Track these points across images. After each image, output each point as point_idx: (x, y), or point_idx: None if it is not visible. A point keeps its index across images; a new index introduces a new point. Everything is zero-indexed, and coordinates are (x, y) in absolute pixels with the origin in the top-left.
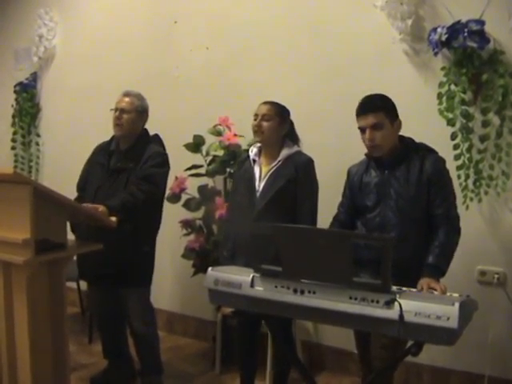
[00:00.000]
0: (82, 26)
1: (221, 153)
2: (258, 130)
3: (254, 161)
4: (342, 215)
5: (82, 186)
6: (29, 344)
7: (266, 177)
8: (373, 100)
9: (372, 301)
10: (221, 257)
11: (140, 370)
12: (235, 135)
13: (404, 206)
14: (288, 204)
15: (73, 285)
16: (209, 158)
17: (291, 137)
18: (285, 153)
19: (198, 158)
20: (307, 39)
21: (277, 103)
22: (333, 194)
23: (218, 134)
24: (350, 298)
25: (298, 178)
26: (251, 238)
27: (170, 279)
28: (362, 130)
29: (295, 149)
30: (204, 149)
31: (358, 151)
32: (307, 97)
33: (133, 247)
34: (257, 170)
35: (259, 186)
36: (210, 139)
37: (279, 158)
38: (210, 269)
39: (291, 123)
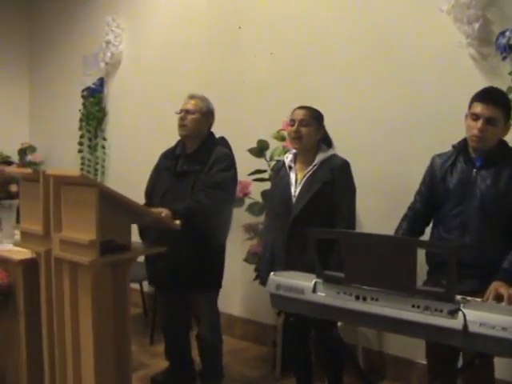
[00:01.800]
0: (147, 32)
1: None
2: (296, 136)
3: (290, 167)
4: (418, 204)
5: (149, 192)
6: (93, 342)
7: (302, 182)
8: (498, 93)
9: (435, 310)
10: (258, 264)
11: (201, 372)
12: None
13: (488, 209)
14: (325, 208)
15: (136, 286)
16: (272, 163)
17: (325, 141)
18: (320, 157)
19: (261, 163)
20: (371, 44)
21: (312, 108)
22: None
23: (282, 138)
24: (413, 306)
25: (335, 181)
26: (312, 244)
27: (232, 282)
28: (475, 117)
29: (330, 152)
30: (268, 153)
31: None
32: (371, 102)
33: (202, 252)
34: (292, 176)
35: (295, 191)
36: (274, 144)
37: (315, 163)
38: (272, 274)
39: (324, 127)
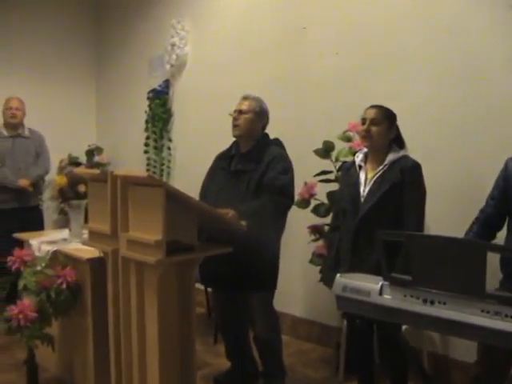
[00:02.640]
0: (212, 34)
1: (350, 159)
2: (366, 135)
3: (360, 166)
4: (490, 208)
5: (204, 192)
6: (158, 340)
7: (371, 182)
8: None
9: (506, 315)
10: (323, 265)
11: (263, 371)
12: None
13: None
14: (393, 209)
15: (200, 286)
16: (338, 164)
17: (397, 141)
18: (391, 157)
19: (327, 164)
20: (439, 42)
21: (384, 107)
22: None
23: (348, 139)
24: (482, 311)
25: (405, 182)
26: (379, 245)
27: (296, 284)
28: None
29: (402, 153)
30: (333, 155)
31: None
32: (439, 101)
33: (257, 251)
34: (362, 175)
35: (364, 191)
36: (340, 145)
37: (385, 163)
38: (338, 275)
39: (397, 127)
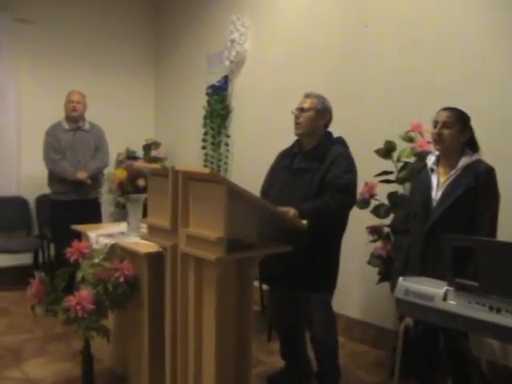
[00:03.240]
0: (272, 31)
1: (412, 160)
2: (438, 139)
3: (432, 169)
4: None
5: (265, 190)
6: (215, 338)
7: (444, 186)
8: None
9: None
10: (392, 268)
11: (317, 372)
12: (428, 142)
13: None
14: (465, 214)
15: (254, 283)
16: (399, 165)
17: (471, 144)
18: (464, 161)
19: (388, 164)
20: (506, 38)
21: (457, 109)
22: None
23: (410, 140)
24: None
25: (478, 187)
26: (446, 250)
27: (353, 285)
28: None
29: (475, 157)
30: (395, 155)
31: None
32: (508, 100)
33: (317, 251)
34: (434, 179)
35: (436, 195)
36: (402, 145)
37: (458, 167)
38: (401, 278)
39: (471, 130)
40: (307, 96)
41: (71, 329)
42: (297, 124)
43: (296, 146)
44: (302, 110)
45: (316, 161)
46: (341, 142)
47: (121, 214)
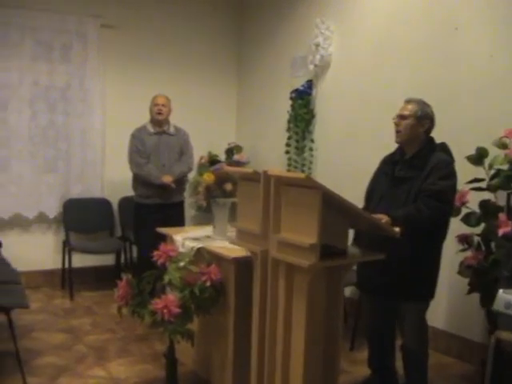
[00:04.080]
0: (357, 35)
1: (506, 167)
2: None
3: None
4: None
5: (368, 196)
6: (303, 345)
7: None
8: None
9: None
10: (500, 276)
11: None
12: None
13: None
14: None
15: None
16: (492, 172)
17: None
18: None
19: (479, 171)
20: None
21: None
22: None
23: (504, 146)
24: None
25: None
26: None
27: (441, 294)
28: None
29: None
30: (487, 162)
31: None
32: None
33: (416, 260)
34: None
35: None
36: (494, 152)
37: None
38: (501, 291)
39: None
40: (407, 102)
41: (153, 330)
42: (397, 132)
43: (398, 153)
44: (402, 117)
45: (416, 169)
46: (443, 148)
47: (202, 218)
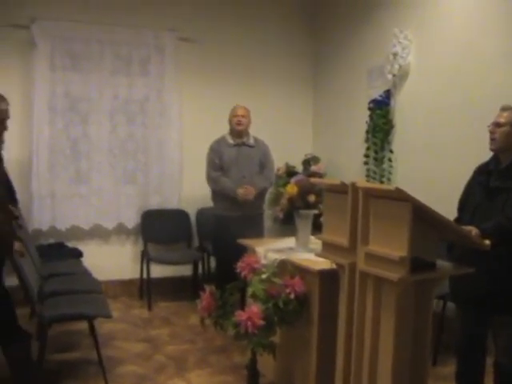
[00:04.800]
0: (437, 43)
1: None
2: None
3: None
4: None
5: (460, 207)
6: (391, 358)
7: None
8: None
9: None
10: None
11: None
12: None
13: None
14: None
15: None
16: None
17: None
18: None
19: None
20: None
21: None
22: None
23: None
24: None
25: None
26: None
27: None
28: None
29: None
30: None
31: None
32: None
33: (510, 272)
34: None
35: None
36: None
37: None
38: None
39: None
40: (503, 110)
41: (231, 342)
42: (492, 140)
43: (492, 162)
44: (497, 124)
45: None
46: None
47: (278, 229)
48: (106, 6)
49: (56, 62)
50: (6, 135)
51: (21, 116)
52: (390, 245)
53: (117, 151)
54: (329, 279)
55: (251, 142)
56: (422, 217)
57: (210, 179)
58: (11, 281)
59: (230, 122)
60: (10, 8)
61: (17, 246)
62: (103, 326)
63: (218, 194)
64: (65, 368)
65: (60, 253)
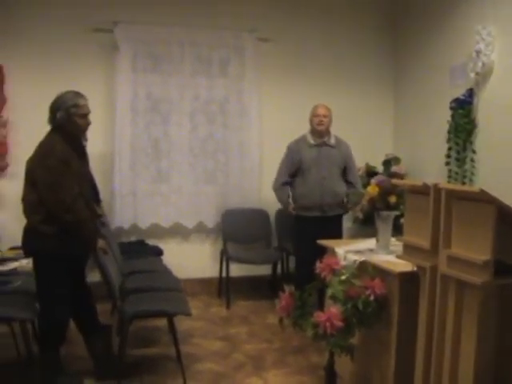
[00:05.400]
0: None
1: None
2: None
3: None
4: None
5: None
6: (473, 363)
7: None
8: None
9: None
10: None
11: None
12: None
13: None
14: None
15: None
16: None
17: None
18: None
19: None
20: None
21: None
22: None
23: None
24: None
25: None
26: None
27: None
28: None
29: None
30: None
31: None
32: None
33: None
34: None
35: None
36: None
37: None
38: None
39: None
40: None
41: (309, 342)
42: None
43: None
44: None
45: None
46: None
47: (358, 230)
48: (186, 8)
49: (138, 64)
50: (90, 135)
51: (104, 116)
52: (473, 248)
53: (197, 151)
54: (409, 282)
55: (332, 142)
56: (505, 219)
57: (274, 184)
58: (94, 276)
59: (311, 121)
60: (94, 13)
61: (100, 243)
62: (182, 324)
63: (297, 194)
64: (144, 363)
65: (141, 250)
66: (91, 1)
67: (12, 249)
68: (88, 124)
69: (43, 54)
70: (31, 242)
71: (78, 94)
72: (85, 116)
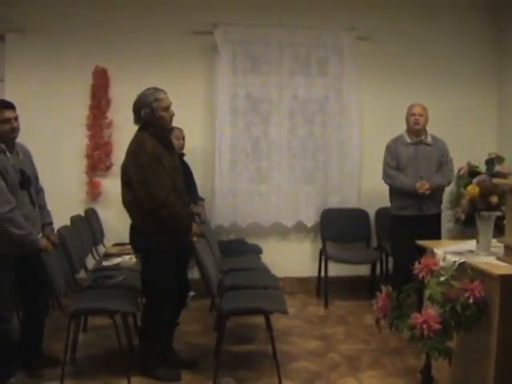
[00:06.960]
0: None
1: None
2: None
3: None
4: None
5: None
6: None
7: None
8: None
9: None
10: None
11: None
12: None
13: None
14: None
15: None
16: None
17: None
18: None
19: None
20: None
21: None
22: None
23: None
24: None
25: None
26: None
27: None
28: None
29: None
30: None
31: None
32: None
33: None
34: None
35: None
36: None
37: None
38: None
39: None
40: None
41: (407, 344)
42: None
43: None
44: None
45: None
46: None
47: (459, 231)
48: (284, 8)
49: (237, 65)
50: (191, 136)
51: (205, 117)
52: None
53: (296, 151)
54: (510, 285)
55: (429, 140)
56: None
57: (387, 176)
58: (194, 273)
59: (407, 120)
60: (194, 16)
61: (195, 227)
62: (279, 322)
63: (394, 194)
64: (241, 359)
65: (240, 249)
66: (191, 4)
67: (115, 245)
68: (172, 115)
69: (145, 56)
70: (137, 240)
71: (156, 89)
72: (167, 108)
